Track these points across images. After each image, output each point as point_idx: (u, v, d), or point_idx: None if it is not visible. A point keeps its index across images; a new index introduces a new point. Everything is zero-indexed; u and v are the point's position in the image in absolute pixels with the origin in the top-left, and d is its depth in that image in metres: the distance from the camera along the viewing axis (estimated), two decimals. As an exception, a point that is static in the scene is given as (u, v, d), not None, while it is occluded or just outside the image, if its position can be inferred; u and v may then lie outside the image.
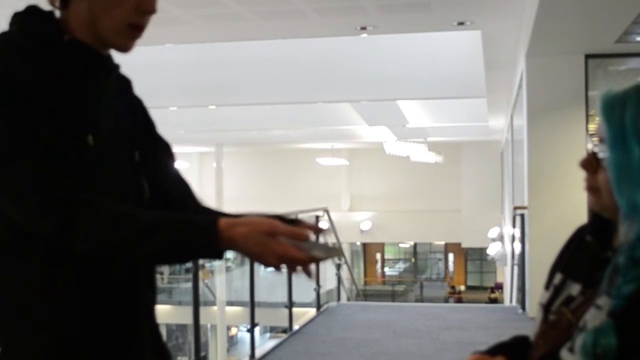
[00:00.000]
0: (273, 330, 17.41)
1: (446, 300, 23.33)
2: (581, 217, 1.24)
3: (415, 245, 28.59)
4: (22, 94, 1.14)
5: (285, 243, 1.14)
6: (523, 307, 7.24)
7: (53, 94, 1.18)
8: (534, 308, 4.23)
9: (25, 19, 1.25)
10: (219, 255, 1.17)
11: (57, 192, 1.12)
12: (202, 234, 1.14)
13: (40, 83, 1.17)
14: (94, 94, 1.26)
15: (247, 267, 6.57)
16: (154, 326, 1.41)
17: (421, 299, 24.73)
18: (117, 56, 1.36)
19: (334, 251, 1.16)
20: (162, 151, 1.45)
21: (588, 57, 6.63)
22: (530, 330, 1.21)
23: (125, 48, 1.28)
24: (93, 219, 1.12)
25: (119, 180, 1.28)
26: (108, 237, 1.13)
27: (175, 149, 1.48)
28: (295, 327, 6.64)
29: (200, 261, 4.96)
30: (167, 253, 1.16)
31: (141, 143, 1.37)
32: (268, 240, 1.13)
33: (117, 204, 1.20)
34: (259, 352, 5.75)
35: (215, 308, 12.02)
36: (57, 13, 1.27)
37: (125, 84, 1.42)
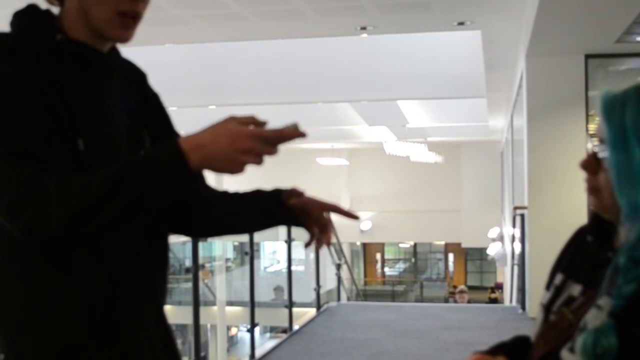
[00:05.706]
0: (273, 330, 17.39)
1: (446, 300, 23.32)
2: (581, 217, 1.24)
3: (415, 245, 28.57)
4: None
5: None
6: (523, 307, 7.24)
7: (36, 96, 1.13)
8: (534, 308, 4.22)
9: (21, 18, 1.22)
10: (191, 175, 1.08)
11: (24, 189, 1.06)
12: (168, 155, 1.08)
13: (22, 86, 1.12)
14: (88, 95, 1.22)
15: (247, 267, 6.56)
16: (165, 328, 1.39)
17: (421, 299, 24.70)
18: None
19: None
20: None
21: (588, 57, 6.63)
22: (530, 330, 1.21)
23: (122, 38, 1.24)
24: (61, 194, 1.05)
25: None
26: (77, 201, 1.06)
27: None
28: (295, 327, 6.64)
29: (200, 261, 4.95)
30: (144, 193, 1.07)
31: (151, 142, 1.32)
32: (233, 125, 1.09)
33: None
34: (259, 352, 5.74)
35: (215, 308, 11.99)
36: (56, 11, 1.24)
37: (138, 78, 1.38)
